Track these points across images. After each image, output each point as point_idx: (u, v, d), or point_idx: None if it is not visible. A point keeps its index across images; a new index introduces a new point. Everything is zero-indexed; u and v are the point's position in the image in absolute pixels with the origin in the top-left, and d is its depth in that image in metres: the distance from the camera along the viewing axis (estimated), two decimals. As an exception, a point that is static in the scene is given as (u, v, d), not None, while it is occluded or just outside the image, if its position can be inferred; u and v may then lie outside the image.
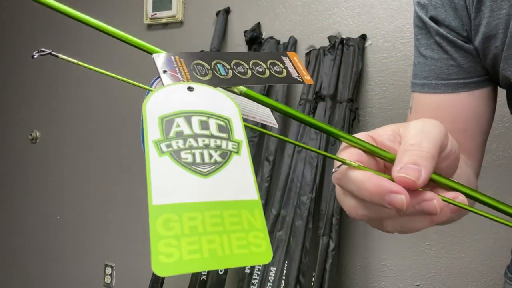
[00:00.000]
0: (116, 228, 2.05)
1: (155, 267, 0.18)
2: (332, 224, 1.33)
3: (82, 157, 2.16)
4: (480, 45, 0.57)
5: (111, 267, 2.06)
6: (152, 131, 0.22)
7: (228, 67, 0.26)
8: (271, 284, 1.34)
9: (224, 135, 0.22)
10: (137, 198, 1.98)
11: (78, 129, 2.18)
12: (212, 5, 1.76)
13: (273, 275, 1.35)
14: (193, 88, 0.24)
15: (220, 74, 0.25)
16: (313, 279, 1.31)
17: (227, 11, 1.72)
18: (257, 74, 0.27)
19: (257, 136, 1.53)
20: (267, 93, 1.56)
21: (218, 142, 0.22)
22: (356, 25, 1.47)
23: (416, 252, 1.39)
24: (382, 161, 0.32)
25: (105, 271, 2.08)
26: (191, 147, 0.21)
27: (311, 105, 1.43)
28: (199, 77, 0.24)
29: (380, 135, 0.32)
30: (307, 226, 1.34)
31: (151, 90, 0.24)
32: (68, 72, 2.22)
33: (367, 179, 0.28)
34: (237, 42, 1.71)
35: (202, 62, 0.26)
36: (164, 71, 0.24)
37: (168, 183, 0.20)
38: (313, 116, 1.42)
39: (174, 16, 1.83)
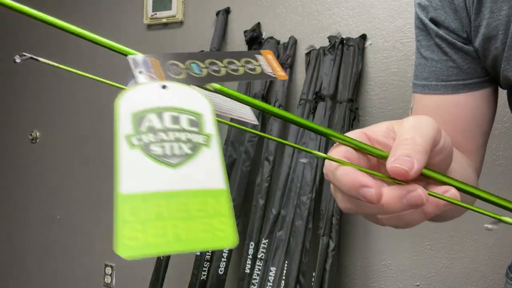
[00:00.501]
0: (116, 228, 2.05)
1: (119, 249, 0.19)
2: (332, 224, 1.33)
3: (82, 157, 2.16)
4: (480, 46, 0.57)
5: (111, 267, 2.06)
6: (124, 127, 0.23)
7: (203, 66, 0.27)
8: (271, 284, 1.34)
9: (195, 129, 0.23)
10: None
11: (78, 129, 2.18)
12: (212, 5, 1.76)
13: (273, 275, 1.35)
14: (166, 87, 0.25)
15: (194, 72, 0.26)
16: (313, 279, 1.31)
17: (227, 11, 1.72)
18: (231, 72, 0.27)
19: (257, 136, 1.53)
20: (267, 94, 1.56)
21: (189, 135, 0.23)
22: (356, 25, 1.47)
23: (416, 252, 1.39)
24: (375, 158, 0.33)
25: (105, 271, 2.08)
26: (161, 141, 0.22)
27: (311, 105, 1.43)
28: (173, 76, 0.25)
29: (374, 132, 0.33)
30: (307, 226, 1.34)
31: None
32: (68, 72, 2.21)
33: (344, 174, 0.30)
34: (237, 42, 1.71)
35: (177, 62, 0.26)
36: (140, 72, 0.25)
37: (137, 174, 0.21)
38: (313, 116, 1.42)
39: (174, 16, 1.83)
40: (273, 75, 0.28)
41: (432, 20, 0.60)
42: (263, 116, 1.56)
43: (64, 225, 2.23)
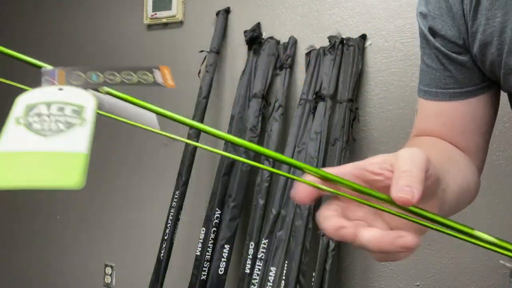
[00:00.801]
0: (116, 228, 2.05)
1: None
2: (332, 224, 1.33)
3: (82, 157, 2.16)
4: (478, 51, 0.60)
5: (111, 267, 2.06)
6: (16, 112, 0.29)
7: (101, 75, 0.32)
8: (271, 284, 1.34)
9: (75, 115, 0.29)
10: (138, 198, 1.98)
11: (78, 129, 2.17)
12: (212, 5, 1.76)
13: (273, 275, 1.35)
14: (62, 89, 0.31)
15: (92, 80, 0.32)
16: (313, 279, 1.31)
17: (227, 11, 1.72)
18: (125, 80, 0.33)
19: (257, 137, 1.53)
20: (267, 94, 1.56)
21: (68, 119, 0.29)
22: (356, 25, 1.47)
23: (416, 252, 1.38)
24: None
25: (105, 271, 2.08)
26: (43, 121, 0.28)
27: (311, 105, 1.43)
28: (72, 82, 0.31)
29: (371, 163, 0.37)
30: (307, 226, 1.34)
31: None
32: (68, 72, 2.22)
33: (324, 218, 0.38)
34: (237, 42, 1.71)
35: (80, 73, 0.32)
36: (46, 79, 0.31)
37: (14, 140, 0.27)
38: (313, 116, 1.42)
39: (174, 16, 1.83)
40: (163, 84, 0.34)
41: (431, 30, 0.63)
42: (263, 116, 1.56)
43: (64, 225, 2.23)
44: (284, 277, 1.33)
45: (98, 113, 0.30)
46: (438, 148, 0.63)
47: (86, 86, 0.31)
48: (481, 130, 0.66)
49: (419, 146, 0.57)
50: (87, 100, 0.30)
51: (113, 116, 0.33)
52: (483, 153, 0.68)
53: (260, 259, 1.39)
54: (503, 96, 0.66)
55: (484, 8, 0.57)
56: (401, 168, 0.34)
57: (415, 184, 0.33)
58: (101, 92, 0.32)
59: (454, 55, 0.62)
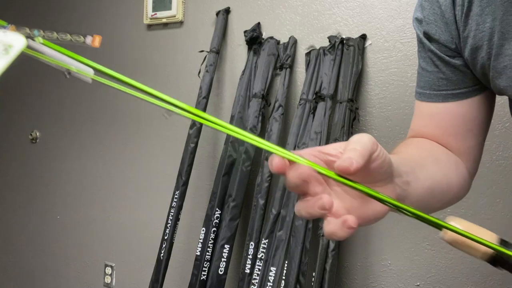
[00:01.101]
0: (116, 228, 2.05)
1: None
2: (332, 224, 1.33)
3: (82, 157, 2.16)
4: (469, 55, 0.63)
5: (111, 267, 2.06)
6: None
7: (42, 32, 0.39)
8: (271, 284, 1.34)
9: (3, 50, 0.37)
10: (138, 198, 1.98)
11: (78, 129, 2.18)
12: (212, 5, 1.76)
13: (273, 275, 1.35)
14: (5, 32, 0.37)
15: (34, 34, 0.39)
16: (313, 279, 1.31)
17: (227, 11, 1.72)
18: (60, 38, 0.41)
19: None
20: (267, 94, 1.56)
21: None
22: (356, 25, 1.47)
23: (416, 252, 1.39)
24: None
25: (105, 271, 2.08)
26: None
27: (311, 105, 1.43)
28: (17, 31, 0.38)
29: (328, 147, 0.43)
30: (307, 226, 1.34)
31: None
32: (68, 72, 2.21)
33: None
34: (237, 42, 1.71)
35: (25, 28, 0.39)
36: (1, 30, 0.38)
37: None
38: (313, 116, 1.42)
39: (174, 16, 1.83)
40: (90, 45, 0.43)
41: (426, 34, 0.66)
42: (263, 116, 1.56)
43: (64, 225, 2.23)
44: (284, 277, 1.33)
45: (25, 52, 0.38)
46: (421, 147, 0.67)
47: (26, 35, 0.38)
48: (474, 132, 0.68)
49: (404, 145, 0.67)
50: (19, 42, 0.37)
51: (41, 56, 0.39)
52: (476, 155, 0.71)
53: (260, 259, 1.39)
54: (504, 96, 0.66)
55: (475, 14, 0.60)
56: (348, 147, 0.41)
57: (355, 156, 0.39)
58: (31, 37, 0.39)
59: (447, 58, 0.65)
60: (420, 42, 0.68)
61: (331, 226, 0.41)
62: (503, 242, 0.46)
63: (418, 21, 0.67)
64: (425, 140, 0.69)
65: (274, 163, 0.40)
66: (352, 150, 0.40)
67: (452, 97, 0.66)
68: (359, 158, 0.39)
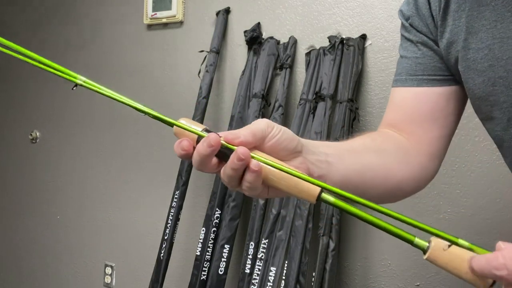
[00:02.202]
0: (116, 228, 2.05)
1: None
2: (332, 224, 1.33)
3: (82, 157, 2.16)
4: (444, 49, 0.66)
5: (111, 267, 2.06)
6: None
7: None
8: (271, 284, 1.34)
9: None
10: (137, 198, 1.98)
11: (78, 129, 2.18)
12: (212, 5, 1.76)
13: (273, 275, 1.35)
14: None
15: None
16: (313, 279, 1.31)
17: (227, 11, 1.72)
18: None
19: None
20: (267, 94, 1.56)
21: None
22: (356, 25, 1.47)
23: (416, 252, 1.38)
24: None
25: (105, 271, 2.08)
26: None
27: (311, 105, 1.43)
28: None
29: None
30: (307, 226, 1.34)
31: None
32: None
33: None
34: (237, 42, 1.71)
35: None
36: None
37: None
38: (313, 116, 1.42)
39: (174, 16, 1.83)
40: None
41: (409, 25, 0.71)
42: (263, 116, 1.56)
43: (64, 225, 2.23)
44: (284, 277, 1.33)
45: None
46: (370, 138, 0.70)
47: None
48: (439, 123, 0.70)
49: (358, 136, 0.70)
50: None
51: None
52: (439, 148, 0.72)
53: (260, 259, 1.39)
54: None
55: (452, 10, 0.64)
56: (244, 127, 0.51)
57: (242, 135, 0.49)
58: None
59: (430, 42, 0.69)
60: (402, 31, 0.73)
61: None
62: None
63: (402, 13, 0.73)
64: (383, 133, 0.73)
65: (182, 144, 0.50)
66: (245, 129, 0.50)
67: (426, 83, 0.69)
68: (248, 135, 0.49)
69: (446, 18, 0.65)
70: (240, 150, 0.47)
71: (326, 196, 0.48)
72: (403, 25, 0.73)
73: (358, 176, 0.62)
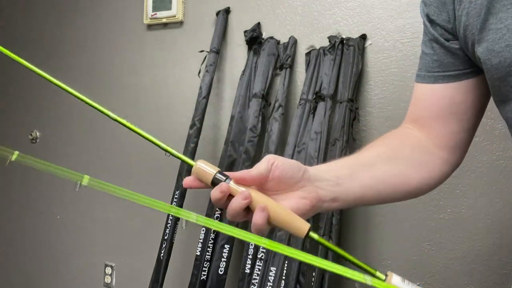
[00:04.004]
0: (116, 228, 2.05)
1: None
2: (332, 224, 1.33)
3: (82, 157, 2.16)
4: (462, 33, 0.65)
5: (111, 267, 2.06)
6: None
7: None
8: (271, 284, 1.34)
9: None
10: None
11: (78, 129, 2.18)
12: (212, 5, 1.76)
13: (273, 275, 1.35)
14: None
15: None
16: (313, 279, 1.31)
17: (227, 11, 1.72)
18: None
19: (257, 136, 1.53)
20: (267, 94, 1.56)
21: None
22: (356, 25, 1.47)
23: (416, 252, 1.39)
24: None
25: (105, 271, 2.08)
26: None
27: (311, 105, 1.43)
28: None
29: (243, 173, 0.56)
30: (307, 226, 1.34)
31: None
32: (69, 72, 2.22)
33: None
34: (237, 42, 1.71)
35: None
36: None
37: None
38: (313, 116, 1.42)
39: (174, 16, 1.83)
40: None
41: (427, 16, 0.70)
42: (263, 116, 1.56)
43: (64, 225, 2.23)
44: (284, 277, 1.33)
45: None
46: (385, 145, 0.71)
47: None
48: (458, 116, 0.71)
49: (375, 142, 0.72)
50: None
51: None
52: (459, 142, 0.73)
53: (260, 259, 1.39)
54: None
55: None
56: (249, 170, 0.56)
57: (242, 175, 0.55)
58: None
59: (442, 40, 0.68)
60: (424, 25, 0.71)
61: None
62: None
63: (424, 3, 0.71)
64: (401, 134, 0.74)
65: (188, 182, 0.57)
66: (250, 170, 0.55)
67: (442, 79, 0.70)
68: (254, 173, 0.54)
69: (462, 1, 0.64)
70: (244, 194, 0.53)
71: (312, 234, 0.54)
72: (422, 18, 0.73)
73: (373, 190, 0.65)
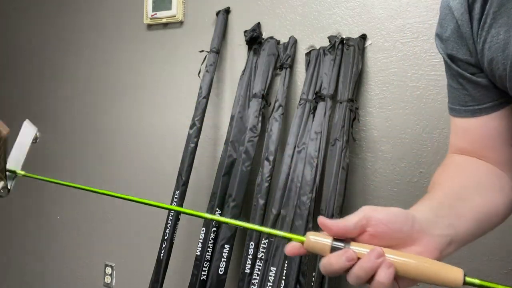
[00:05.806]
0: (116, 228, 2.05)
1: None
2: (332, 224, 1.33)
3: (82, 157, 2.16)
4: (487, 67, 0.63)
5: (111, 267, 2.06)
6: None
7: None
8: (271, 284, 1.34)
9: None
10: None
11: (78, 129, 2.18)
12: (212, 5, 1.76)
13: (273, 275, 1.35)
14: None
15: None
16: (313, 279, 1.31)
17: (227, 11, 1.72)
18: None
19: (257, 136, 1.53)
20: (267, 94, 1.56)
21: None
22: (356, 25, 1.47)
23: (416, 252, 1.39)
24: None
25: (105, 271, 2.08)
26: None
27: (311, 105, 1.43)
28: None
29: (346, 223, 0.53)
30: (307, 226, 1.34)
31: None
32: (69, 73, 2.22)
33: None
34: (237, 42, 1.71)
35: None
36: None
37: None
38: (313, 116, 1.42)
39: (174, 16, 1.83)
40: None
41: (448, 55, 0.67)
42: (263, 116, 1.56)
43: (64, 225, 2.23)
44: (284, 277, 1.33)
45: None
46: (462, 173, 0.68)
47: None
48: (509, 142, 0.69)
49: (444, 171, 0.69)
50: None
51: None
52: None
53: (260, 259, 1.39)
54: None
55: (489, 26, 0.61)
56: (345, 222, 0.52)
57: (334, 225, 0.53)
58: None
59: (469, 75, 0.66)
60: (444, 62, 0.69)
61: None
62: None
63: (439, 37, 0.68)
64: (465, 161, 0.70)
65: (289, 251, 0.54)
66: (337, 221, 0.52)
67: (480, 112, 0.67)
68: (336, 225, 0.52)
69: (483, 35, 0.62)
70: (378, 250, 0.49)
71: (470, 279, 0.50)
72: (441, 55, 0.70)
73: (476, 225, 0.61)
